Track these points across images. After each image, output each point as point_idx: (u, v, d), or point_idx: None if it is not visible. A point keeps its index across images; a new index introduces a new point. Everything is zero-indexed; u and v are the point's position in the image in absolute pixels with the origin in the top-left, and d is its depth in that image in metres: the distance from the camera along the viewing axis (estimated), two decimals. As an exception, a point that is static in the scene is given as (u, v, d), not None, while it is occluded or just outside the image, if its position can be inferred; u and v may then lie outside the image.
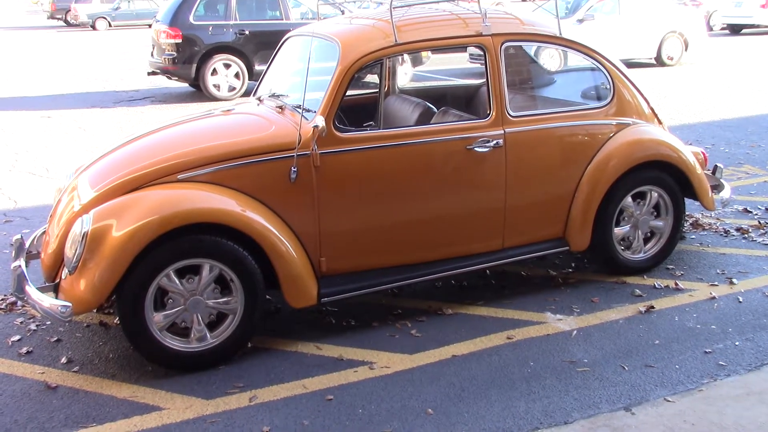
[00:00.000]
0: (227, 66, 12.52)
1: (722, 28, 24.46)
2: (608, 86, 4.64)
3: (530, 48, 5.56)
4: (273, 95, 4.58)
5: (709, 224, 5.70)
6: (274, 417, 3.37)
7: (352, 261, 4.11)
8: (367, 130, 4.12)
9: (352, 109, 5.01)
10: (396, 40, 4.07)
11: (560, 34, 4.48)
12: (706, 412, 3.32)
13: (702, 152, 5.21)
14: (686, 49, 15.80)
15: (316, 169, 3.91)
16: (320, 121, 3.83)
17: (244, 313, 3.81)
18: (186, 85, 13.47)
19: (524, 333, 4.08)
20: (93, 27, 34.20)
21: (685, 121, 9.88)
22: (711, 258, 5.06)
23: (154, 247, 3.57)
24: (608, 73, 4.64)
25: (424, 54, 13.24)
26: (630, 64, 15.56)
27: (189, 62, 12.41)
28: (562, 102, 4.91)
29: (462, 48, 4.47)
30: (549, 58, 10.59)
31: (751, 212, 5.94)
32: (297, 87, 4.36)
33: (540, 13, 4.71)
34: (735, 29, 23.76)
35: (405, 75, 13.69)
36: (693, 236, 5.49)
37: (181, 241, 3.65)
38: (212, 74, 12.47)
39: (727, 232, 5.54)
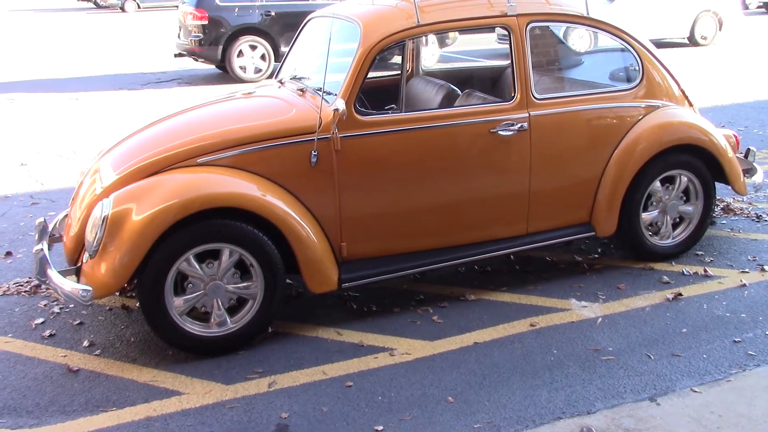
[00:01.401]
0: (253, 47, 12.49)
1: (758, 7, 23.91)
2: (637, 67, 4.52)
3: (558, 29, 5.43)
4: (294, 78, 4.54)
5: (740, 209, 5.56)
6: (294, 403, 3.35)
7: (373, 246, 4.06)
8: (388, 113, 4.04)
9: (376, 91, 4.94)
10: (418, 21, 3.99)
11: (588, 13, 4.37)
12: (733, 402, 3.23)
13: (734, 135, 5.08)
14: (720, 29, 15.47)
15: (337, 153, 3.86)
16: (341, 105, 3.78)
17: (264, 298, 3.78)
18: (213, 66, 13.46)
19: (548, 320, 4.01)
20: (122, 9, 34.28)
21: (718, 102, 9.67)
22: (742, 244, 4.94)
23: (173, 232, 3.56)
24: (637, 54, 4.52)
25: (450, 34, 13.14)
26: (662, 44, 15.35)
27: (215, 44, 12.39)
28: (589, 84, 4.80)
29: (487, 29, 4.36)
30: (579, 39, 10.43)
31: (784, 197, 5.80)
32: (319, 69, 4.29)
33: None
34: (771, 8, 23.22)
35: (432, 56, 13.59)
36: (724, 221, 5.37)
37: (200, 226, 3.62)
38: (238, 56, 12.44)
39: (759, 217, 5.40)
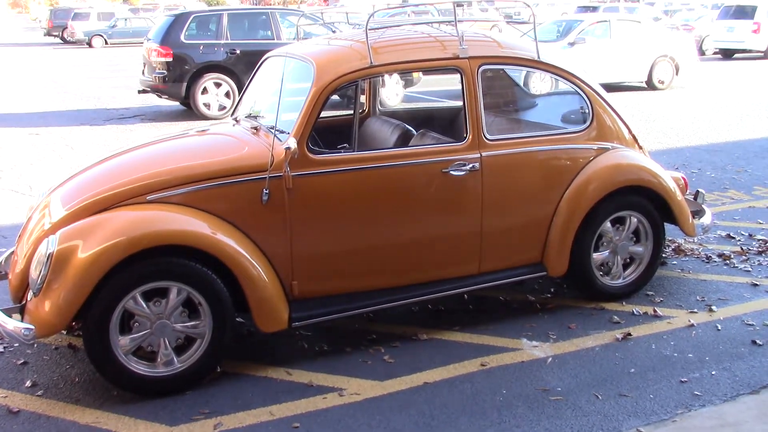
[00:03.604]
0: (218, 85, 12.51)
1: (715, 53, 24.57)
2: (587, 110, 4.61)
3: (515, 71, 5.52)
4: (249, 116, 4.55)
5: (691, 249, 5.65)
6: (238, 445, 3.30)
7: (325, 284, 4.05)
8: (340, 152, 4.06)
9: (333, 130, 4.97)
10: (371, 62, 4.03)
11: (539, 57, 4.45)
12: (678, 443, 3.25)
13: (683, 177, 5.18)
14: (677, 73, 15.87)
15: (289, 191, 3.86)
16: (292, 143, 3.79)
17: (212, 337, 3.74)
18: (177, 103, 13.45)
19: (498, 360, 4.02)
20: (89, 44, 34.25)
21: (673, 144, 9.88)
22: (691, 284, 5.01)
23: (120, 270, 3.51)
24: (587, 97, 4.60)
25: (415, 74, 13.28)
26: (621, 88, 15.71)
27: (179, 81, 12.39)
28: (541, 125, 4.88)
29: (439, 71, 4.43)
30: (540, 81, 10.60)
31: (734, 238, 5.91)
32: (273, 108, 4.31)
33: (527, 39, 4.67)
34: (727, 54, 23.90)
35: (396, 95, 13.74)
36: (674, 262, 5.45)
37: (148, 264, 3.58)
38: (203, 93, 12.45)
39: (708, 258, 5.49)
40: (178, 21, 12.68)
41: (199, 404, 3.62)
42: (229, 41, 12.62)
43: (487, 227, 4.29)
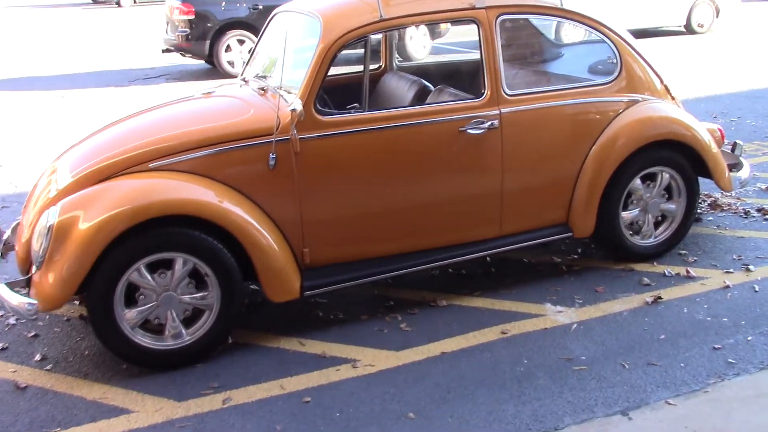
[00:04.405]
0: (241, 42, 12.28)
1: (760, -8, 23.54)
2: (615, 60, 4.33)
3: (542, 21, 5.20)
4: (258, 76, 4.35)
5: (728, 204, 5.37)
6: (247, 421, 3.18)
7: (338, 251, 3.89)
8: (350, 112, 3.86)
9: (347, 88, 4.77)
10: (381, 15, 3.80)
11: (561, 4, 4.17)
12: (710, 416, 3.06)
13: (719, 129, 4.87)
14: (717, 16, 15.22)
15: (297, 155, 3.68)
16: (298, 105, 3.60)
17: (220, 308, 3.61)
18: (202, 61, 13.27)
19: (520, 327, 3.83)
20: (118, 4, 34.07)
21: (712, 92, 9.46)
22: (728, 242, 4.75)
23: (123, 241, 3.38)
24: (615, 46, 4.32)
25: (443, 25, 12.89)
26: (658, 33, 15.13)
27: (202, 39, 12.20)
28: (567, 78, 4.60)
29: (454, 22, 4.17)
30: (573, 31, 10.18)
31: (774, 191, 5.60)
32: (282, 67, 4.12)
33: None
34: (773, -7, 22.87)
35: (423, 48, 13.40)
36: (710, 218, 5.18)
37: (151, 234, 3.45)
38: (226, 51, 12.25)
39: (747, 212, 5.21)
40: (199, -23, 12.42)
41: (209, 378, 3.52)
42: (251, -4, 12.34)
43: (507, 188, 4.08)
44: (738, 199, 5.48)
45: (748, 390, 3.22)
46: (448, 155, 3.94)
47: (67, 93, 11.64)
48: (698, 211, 5.23)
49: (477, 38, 3.97)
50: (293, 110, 3.59)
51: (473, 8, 3.96)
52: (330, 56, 3.72)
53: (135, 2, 34.00)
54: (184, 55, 12.85)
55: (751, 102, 8.72)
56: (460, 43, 13.75)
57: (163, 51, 13.22)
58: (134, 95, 11.15)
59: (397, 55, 5.38)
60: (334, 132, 3.73)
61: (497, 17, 3.99)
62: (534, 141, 4.10)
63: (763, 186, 5.71)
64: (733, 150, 5.04)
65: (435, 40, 13.51)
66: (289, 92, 3.78)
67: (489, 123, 3.94)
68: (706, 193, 5.49)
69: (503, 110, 3.98)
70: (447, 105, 3.99)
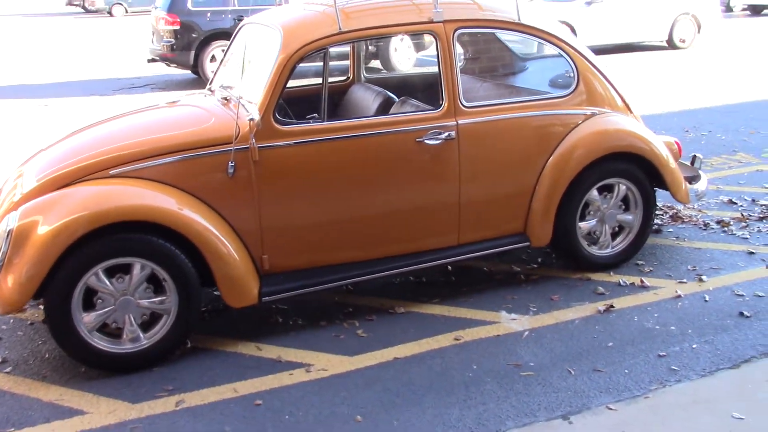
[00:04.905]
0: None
1: (743, 9, 23.86)
2: (573, 74, 4.43)
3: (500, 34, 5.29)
4: (223, 86, 4.44)
5: (689, 216, 5.47)
6: (197, 423, 3.25)
7: (297, 258, 3.97)
8: (309, 122, 3.94)
9: (317, 99, 4.85)
10: (340, 28, 3.89)
11: (519, 20, 4.27)
12: (648, 422, 3.14)
13: (676, 142, 4.98)
14: (699, 32, 15.41)
15: (255, 164, 3.76)
16: (256, 114, 3.68)
17: (178, 313, 3.68)
18: (187, 71, 13.37)
19: (473, 334, 3.91)
20: (110, 13, 34.23)
21: (687, 106, 9.60)
22: (685, 253, 4.85)
23: (81, 245, 3.45)
24: (573, 60, 4.42)
25: (425, 37, 12.99)
26: (640, 47, 15.33)
27: (187, 49, 12.33)
28: (525, 90, 4.70)
29: (412, 35, 4.27)
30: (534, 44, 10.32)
31: (736, 203, 5.70)
32: (245, 78, 4.21)
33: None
34: (756, 10, 23.19)
35: (407, 60, 13.53)
36: (671, 229, 5.27)
37: (109, 240, 3.52)
38: (211, 61, 12.34)
39: (706, 225, 5.31)
40: (185, -12, 12.55)
41: (165, 381, 3.58)
42: (237, 7, 12.46)
43: (465, 198, 4.16)
44: (700, 211, 5.57)
45: (687, 396, 3.31)
46: (405, 165, 4.02)
47: (51, 101, 11.71)
48: (659, 222, 5.34)
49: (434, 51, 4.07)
50: (251, 119, 3.68)
51: (431, 22, 4.06)
52: (289, 67, 3.81)
53: (126, 11, 34.13)
54: (169, 65, 12.96)
55: (724, 117, 8.85)
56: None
57: (149, 61, 13.34)
58: (118, 104, 11.20)
59: (381, 66, 5.47)
60: (293, 141, 3.82)
61: (455, 31, 4.09)
62: (491, 152, 4.19)
63: (726, 199, 5.81)
64: (692, 163, 5.15)
65: (419, 52, 13.65)
66: (250, 102, 3.87)
67: (446, 134, 4.03)
68: (668, 205, 5.60)
69: (460, 121, 4.07)
70: (405, 116, 4.08)
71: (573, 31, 14.43)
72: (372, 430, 3.16)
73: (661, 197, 4.98)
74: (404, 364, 3.65)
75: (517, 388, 3.41)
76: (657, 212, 5.47)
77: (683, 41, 15.33)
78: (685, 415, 3.17)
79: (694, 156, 5.18)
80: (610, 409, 3.24)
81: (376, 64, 13.51)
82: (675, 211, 5.56)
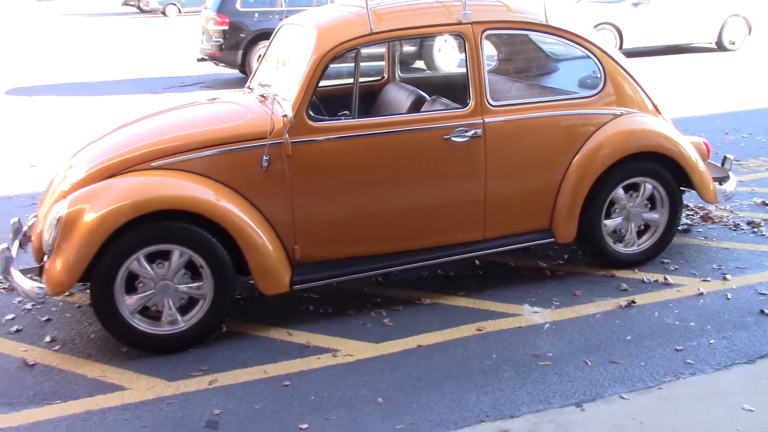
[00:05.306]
0: (272, 52, 12.63)
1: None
2: (599, 75, 4.52)
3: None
4: (261, 84, 4.65)
5: (720, 217, 5.50)
6: (228, 401, 3.45)
7: (327, 249, 4.15)
8: (340, 119, 4.12)
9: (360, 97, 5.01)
10: (371, 29, 4.06)
11: (546, 21, 4.38)
12: (659, 411, 3.24)
13: (704, 143, 5.03)
14: (749, 33, 15.19)
15: (289, 158, 3.95)
16: (289, 110, 3.88)
17: (213, 298, 3.89)
18: (235, 70, 13.69)
19: (495, 325, 4.05)
20: (164, 13, 34.99)
21: (732, 108, 9.54)
22: (712, 252, 4.90)
23: (124, 232, 3.69)
24: (600, 61, 4.51)
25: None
26: (689, 49, 15.18)
27: (235, 48, 12.64)
28: (553, 90, 4.81)
29: (442, 36, 4.42)
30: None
31: (768, 205, 5.72)
32: (282, 76, 4.42)
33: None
34: (812, 11, 22.63)
35: (452, 60, 13.63)
36: (700, 229, 5.32)
37: (150, 227, 3.75)
38: (257, 60, 12.59)
39: (737, 225, 5.34)
40: (234, -11, 12.89)
41: (200, 361, 3.80)
42: (284, 8, 12.69)
43: (491, 194, 4.30)
44: (731, 212, 5.60)
45: (700, 388, 3.40)
46: (433, 161, 4.18)
47: (105, 99, 12.14)
48: (689, 222, 5.38)
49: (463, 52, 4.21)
50: (285, 116, 3.88)
51: (460, 23, 4.21)
52: (322, 66, 3.99)
53: (180, 11, 34.85)
54: (217, 64, 13.30)
55: (767, 119, 8.77)
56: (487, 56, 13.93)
57: (198, 60, 13.70)
58: (168, 102, 11.56)
59: (425, 67, 5.61)
60: (324, 137, 4.00)
61: (483, 32, 4.23)
62: (517, 149, 4.32)
63: (759, 200, 5.81)
64: (722, 164, 5.19)
65: (463, 52, 13.71)
66: (285, 99, 4.06)
67: (473, 132, 4.17)
68: (699, 206, 5.64)
69: (487, 120, 4.21)
70: (433, 114, 4.24)
71: (619, 32, 14.43)
72: (392, 411, 3.32)
73: (693, 198, 5.03)
74: (427, 352, 3.81)
75: (533, 377, 3.54)
76: (688, 212, 5.54)
77: (733, 43, 15.14)
78: (696, 406, 3.26)
79: (725, 157, 5.22)
80: (623, 398, 3.34)
81: (420, 64, 13.67)
82: (706, 211, 5.59)
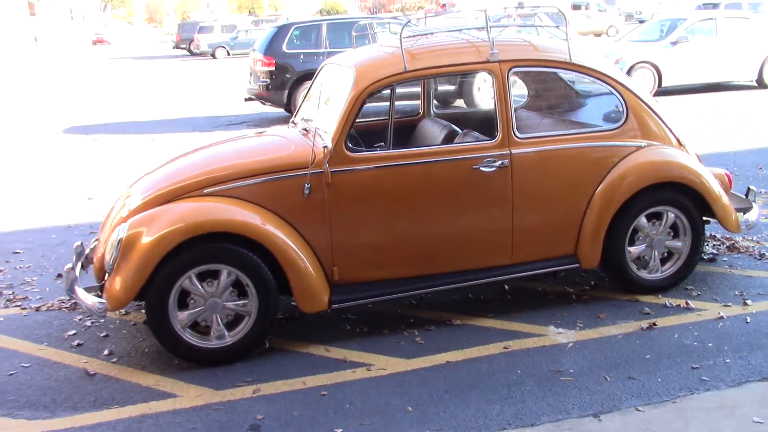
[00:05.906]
0: (317, 92, 13.12)
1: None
2: (621, 109, 4.78)
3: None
4: (304, 119, 5.01)
5: (746, 247, 5.67)
6: (270, 407, 3.74)
7: (364, 272, 4.45)
8: (376, 150, 4.45)
9: (396, 131, 5.35)
10: (405, 68, 4.40)
11: (570, 59, 4.68)
12: (671, 422, 3.44)
13: (726, 174, 5.23)
14: (791, 71, 15.24)
15: (329, 186, 4.28)
16: (329, 142, 4.22)
17: (258, 315, 4.21)
18: (281, 110, 14.22)
19: (521, 344, 4.28)
20: (213, 56, 36.19)
21: (766, 144, 9.65)
22: (735, 280, 5.07)
23: (178, 253, 4.04)
24: (621, 96, 4.77)
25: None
26: (729, 87, 15.29)
27: (281, 88, 13.15)
28: (577, 123, 5.09)
29: (470, 74, 4.74)
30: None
31: (795, 236, 5.86)
32: (323, 111, 4.78)
33: (563, 41, 4.84)
34: None
35: (491, 99, 13.95)
36: (725, 258, 5.49)
37: (202, 248, 4.10)
38: (302, 98, 13.08)
39: (762, 255, 5.50)
40: (280, 32, 13.48)
41: (244, 373, 4.11)
42: (328, 50, 13.22)
43: (517, 221, 4.56)
44: (758, 242, 5.76)
45: (712, 402, 3.58)
46: (463, 190, 4.47)
47: (157, 137, 12.73)
48: (714, 252, 5.56)
49: (492, 88, 4.53)
50: (325, 147, 4.22)
51: (488, 62, 4.53)
52: (360, 102, 4.34)
53: (228, 54, 35.97)
54: (264, 104, 13.84)
55: (801, 155, 8.89)
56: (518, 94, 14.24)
57: (246, 99, 14.27)
58: (216, 139, 12.08)
59: (464, 105, 5.94)
60: (361, 167, 4.33)
61: (509, 70, 4.54)
62: (542, 179, 4.59)
63: (787, 232, 5.97)
64: (746, 195, 5.38)
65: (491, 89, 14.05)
66: (326, 132, 4.41)
67: (500, 162, 4.46)
68: (726, 236, 5.81)
69: (513, 151, 4.50)
70: (463, 145, 4.55)
71: (658, 71, 14.61)
72: (421, 419, 3.58)
73: (720, 229, 5.22)
74: (455, 367, 4.06)
75: (555, 390, 3.77)
76: (715, 242, 5.72)
77: (773, 80, 15.20)
78: (707, 418, 3.45)
79: (749, 188, 5.41)
80: (639, 410, 3.55)
81: (459, 102, 14.05)
82: (732, 241, 5.76)
